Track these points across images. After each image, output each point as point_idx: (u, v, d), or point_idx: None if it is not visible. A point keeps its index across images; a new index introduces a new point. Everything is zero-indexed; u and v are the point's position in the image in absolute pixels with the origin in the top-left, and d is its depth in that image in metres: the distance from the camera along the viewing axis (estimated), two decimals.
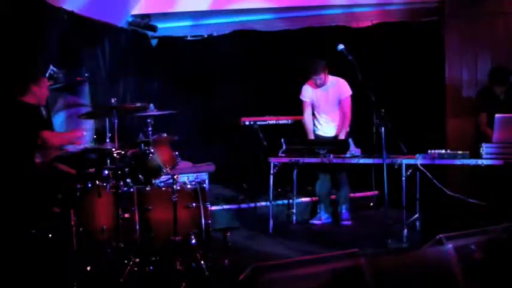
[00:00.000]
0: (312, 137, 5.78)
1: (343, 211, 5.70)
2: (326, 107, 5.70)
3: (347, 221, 5.67)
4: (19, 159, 3.99)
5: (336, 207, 5.79)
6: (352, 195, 5.91)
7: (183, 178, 5.07)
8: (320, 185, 5.84)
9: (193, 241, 3.85)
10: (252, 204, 5.94)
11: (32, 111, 4.13)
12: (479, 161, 4.68)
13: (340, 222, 5.69)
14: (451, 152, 4.86)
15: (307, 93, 5.76)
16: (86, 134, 4.43)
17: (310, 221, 5.81)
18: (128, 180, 4.03)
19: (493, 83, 5.56)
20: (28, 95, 4.15)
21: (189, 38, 7.51)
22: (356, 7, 7.05)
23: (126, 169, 3.98)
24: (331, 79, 5.64)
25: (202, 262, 3.77)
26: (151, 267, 3.71)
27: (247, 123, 6.64)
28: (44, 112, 4.58)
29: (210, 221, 4.02)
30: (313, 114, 5.81)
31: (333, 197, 5.86)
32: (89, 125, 5.25)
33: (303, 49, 7.06)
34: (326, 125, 5.75)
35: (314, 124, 5.83)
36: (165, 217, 3.87)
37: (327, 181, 5.78)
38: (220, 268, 3.91)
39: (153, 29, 7.25)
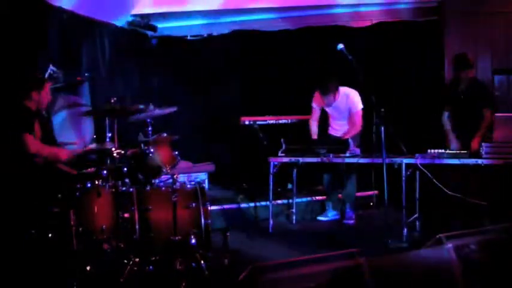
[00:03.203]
0: (315, 137, 5.81)
1: (347, 210, 5.72)
2: (337, 116, 5.78)
3: (349, 220, 5.68)
4: (16, 158, 3.98)
5: (342, 205, 5.83)
6: None
7: (183, 178, 5.08)
8: (328, 182, 5.87)
9: (193, 241, 3.84)
10: (252, 204, 5.94)
11: (24, 113, 4.10)
12: (479, 161, 4.68)
13: (343, 220, 5.71)
14: (451, 151, 4.86)
15: (317, 103, 5.81)
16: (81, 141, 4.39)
17: (318, 218, 5.87)
18: (128, 180, 4.02)
19: (458, 70, 5.34)
20: (28, 100, 4.17)
21: (189, 38, 7.52)
22: (356, 7, 7.05)
23: (126, 169, 3.98)
24: (342, 92, 5.63)
25: (202, 262, 3.76)
26: (151, 267, 3.71)
27: (247, 123, 6.64)
28: (43, 113, 4.54)
29: (210, 221, 4.02)
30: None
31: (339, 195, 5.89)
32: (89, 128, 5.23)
33: (303, 49, 7.07)
34: (339, 128, 5.81)
35: (328, 124, 5.90)
36: (165, 217, 3.87)
37: (334, 178, 5.80)
38: (220, 268, 3.90)
39: (153, 29, 7.25)
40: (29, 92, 4.17)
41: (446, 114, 5.50)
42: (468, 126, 5.25)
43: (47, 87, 4.30)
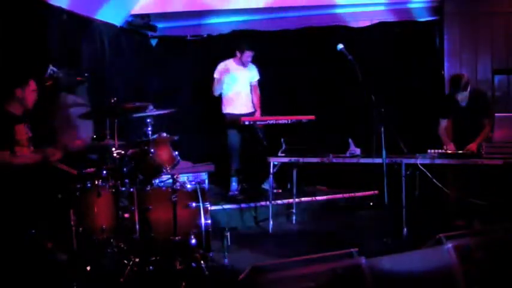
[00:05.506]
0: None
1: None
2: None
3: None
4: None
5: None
6: (352, 195, 6.13)
7: (183, 178, 5.07)
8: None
9: (193, 241, 3.85)
10: (252, 204, 5.94)
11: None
12: (479, 161, 4.68)
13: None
14: (451, 151, 4.86)
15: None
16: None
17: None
18: (128, 180, 4.02)
19: (454, 91, 5.20)
20: (12, 101, 4.08)
21: (189, 38, 7.51)
22: (356, 7, 7.05)
23: (126, 169, 3.98)
24: None
25: (202, 262, 3.77)
26: (151, 267, 3.71)
27: (247, 123, 6.63)
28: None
29: (210, 221, 4.02)
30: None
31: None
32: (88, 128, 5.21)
33: (303, 49, 7.06)
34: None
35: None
36: (165, 217, 3.87)
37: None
38: (220, 268, 3.90)
39: (153, 29, 7.25)
40: (12, 90, 4.03)
41: (443, 123, 5.38)
42: (469, 136, 5.14)
43: (32, 84, 4.14)
